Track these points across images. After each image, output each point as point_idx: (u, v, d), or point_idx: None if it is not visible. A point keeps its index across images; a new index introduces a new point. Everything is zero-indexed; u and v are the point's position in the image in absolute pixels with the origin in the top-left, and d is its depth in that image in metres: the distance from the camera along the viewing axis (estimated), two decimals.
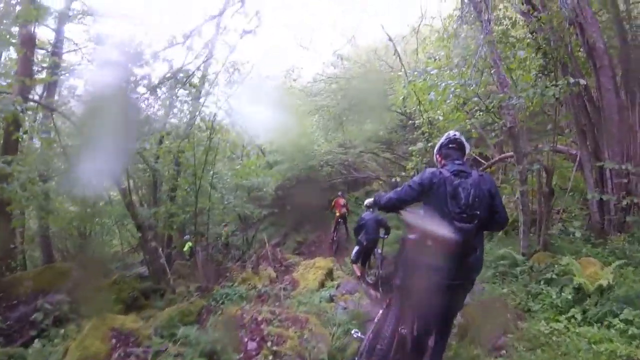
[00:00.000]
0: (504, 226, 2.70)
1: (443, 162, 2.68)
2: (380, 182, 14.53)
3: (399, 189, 2.63)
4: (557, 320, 3.75)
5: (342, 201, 11.37)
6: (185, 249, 11.21)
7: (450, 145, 2.71)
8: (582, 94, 5.56)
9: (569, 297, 3.93)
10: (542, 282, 4.51)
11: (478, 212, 2.41)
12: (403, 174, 10.09)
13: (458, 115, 7.06)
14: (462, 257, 2.39)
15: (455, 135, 2.74)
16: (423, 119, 7.94)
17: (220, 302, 5.78)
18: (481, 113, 7.03)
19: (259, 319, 3.95)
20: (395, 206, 2.63)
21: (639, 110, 5.37)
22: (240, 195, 11.43)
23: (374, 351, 2.59)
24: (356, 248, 6.83)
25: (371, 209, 6.47)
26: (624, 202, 4.86)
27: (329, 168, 14.03)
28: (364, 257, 6.77)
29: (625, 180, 5.05)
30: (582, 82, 4.69)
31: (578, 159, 5.75)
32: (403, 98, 6.67)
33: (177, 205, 8.39)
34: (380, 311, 2.88)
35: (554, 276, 4.42)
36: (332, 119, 12.60)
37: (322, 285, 6.36)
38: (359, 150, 13.70)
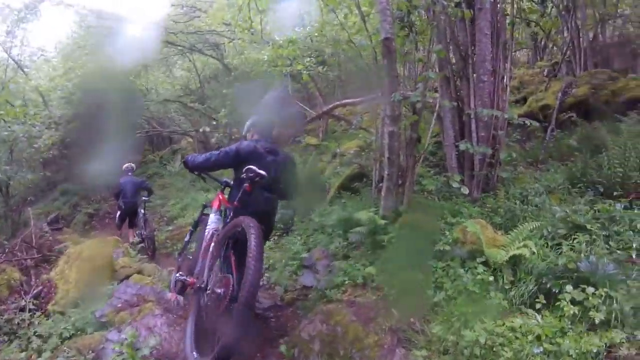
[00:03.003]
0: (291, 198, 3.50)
1: (256, 137, 3.13)
2: (189, 140, 13.39)
3: (215, 152, 3.05)
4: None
5: None
6: None
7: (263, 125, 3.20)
8: (447, 38, 4.70)
9: (487, 277, 2.70)
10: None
11: (280, 185, 3.00)
12: (214, 123, 10.10)
13: (290, 51, 6.23)
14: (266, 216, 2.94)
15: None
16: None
17: None
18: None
19: None
20: (210, 167, 3.05)
21: (510, 64, 4.82)
22: None
23: None
24: (118, 213, 6.96)
25: (130, 173, 6.91)
26: (503, 156, 4.13)
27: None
28: (129, 219, 6.84)
29: (498, 132, 4.33)
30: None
31: (437, 106, 4.84)
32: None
33: None
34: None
35: (445, 247, 3.19)
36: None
37: (93, 288, 3.79)
38: (162, 99, 10.94)
